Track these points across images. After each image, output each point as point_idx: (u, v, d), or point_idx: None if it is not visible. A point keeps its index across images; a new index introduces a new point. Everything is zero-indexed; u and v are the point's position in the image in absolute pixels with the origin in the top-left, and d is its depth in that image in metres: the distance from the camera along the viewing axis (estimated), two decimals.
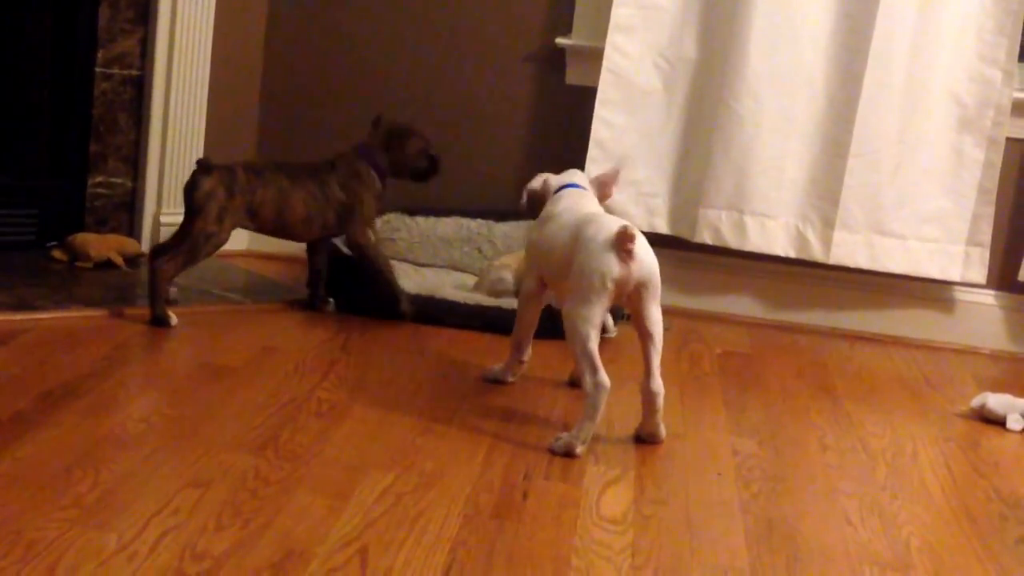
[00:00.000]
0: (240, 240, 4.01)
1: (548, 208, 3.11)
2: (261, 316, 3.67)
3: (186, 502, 2.34)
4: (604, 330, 3.12)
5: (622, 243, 2.78)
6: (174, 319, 3.39)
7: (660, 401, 2.89)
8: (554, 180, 3.19)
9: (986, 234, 4.08)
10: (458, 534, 2.33)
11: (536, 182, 3.23)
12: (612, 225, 2.83)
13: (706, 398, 3.36)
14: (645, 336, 2.89)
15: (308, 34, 4.35)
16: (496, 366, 3.27)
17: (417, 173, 3.74)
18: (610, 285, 2.79)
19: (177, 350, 3.34)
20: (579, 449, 2.77)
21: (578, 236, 2.87)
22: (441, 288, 3.86)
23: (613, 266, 2.78)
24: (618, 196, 4.11)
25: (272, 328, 3.55)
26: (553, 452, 2.77)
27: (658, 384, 2.88)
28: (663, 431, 2.93)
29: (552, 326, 3.66)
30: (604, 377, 2.77)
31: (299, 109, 4.37)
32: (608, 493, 2.60)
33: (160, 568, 2.09)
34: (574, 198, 3.11)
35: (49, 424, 2.66)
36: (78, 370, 3.01)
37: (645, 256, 2.84)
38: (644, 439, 2.93)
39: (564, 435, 2.80)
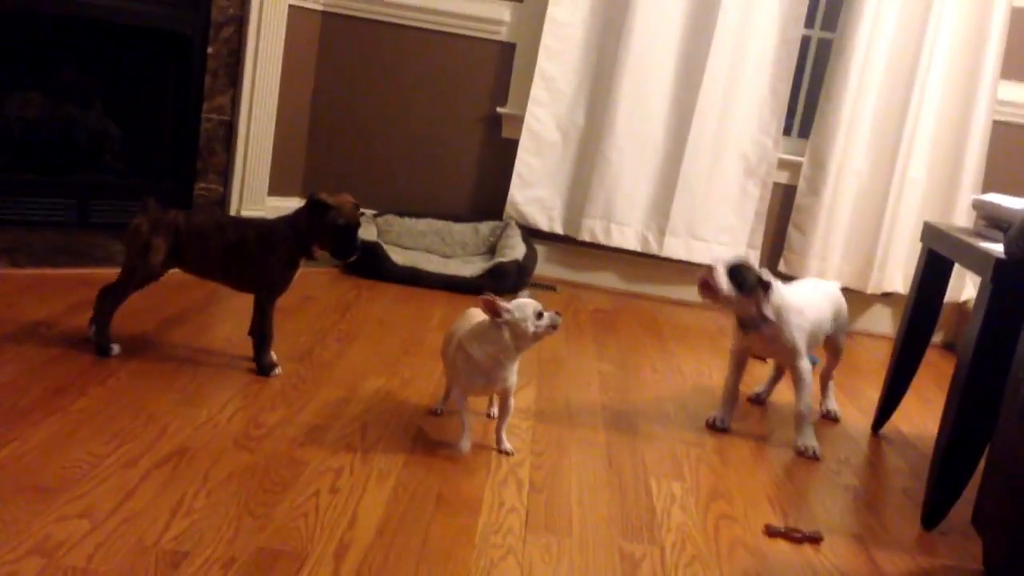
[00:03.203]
0: None
1: (785, 299, 2.48)
2: (304, 276, 3.57)
3: (251, 390, 2.33)
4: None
5: None
6: (115, 349, 2.44)
7: None
8: (775, 286, 2.45)
9: (758, 242, 4.13)
10: (424, 419, 2.34)
11: (773, 302, 2.44)
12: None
13: (582, 338, 3.38)
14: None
15: (341, 96, 4.30)
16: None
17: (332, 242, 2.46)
18: None
19: (248, 297, 3.23)
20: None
21: (837, 299, 2.73)
22: (420, 263, 3.83)
23: None
24: (529, 209, 4.13)
25: (309, 284, 3.51)
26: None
27: None
28: None
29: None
30: None
31: (334, 143, 4.31)
32: (519, 394, 2.62)
33: (233, 432, 2.08)
34: (792, 286, 2.63)
35: (162, 343, 2.63)
36: (181, 305, 2.96)
37: None
38: None
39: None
